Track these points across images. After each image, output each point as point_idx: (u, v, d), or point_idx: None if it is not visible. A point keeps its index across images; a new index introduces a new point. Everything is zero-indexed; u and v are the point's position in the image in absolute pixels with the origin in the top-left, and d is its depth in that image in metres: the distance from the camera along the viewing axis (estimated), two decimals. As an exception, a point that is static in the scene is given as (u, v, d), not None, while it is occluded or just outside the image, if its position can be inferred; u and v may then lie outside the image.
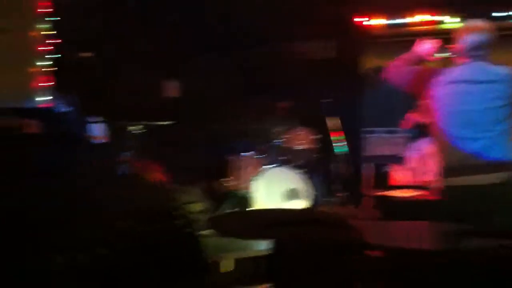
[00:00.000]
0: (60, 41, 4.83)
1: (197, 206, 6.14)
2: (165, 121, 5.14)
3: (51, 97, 4.75)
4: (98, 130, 4.97)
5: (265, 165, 6.58)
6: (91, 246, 2.69)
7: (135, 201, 3.70)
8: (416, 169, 5.78)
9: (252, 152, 6.81)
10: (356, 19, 7.36)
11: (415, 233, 3.07)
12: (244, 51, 7.83)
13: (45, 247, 2.66)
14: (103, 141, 4.97)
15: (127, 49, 5.52)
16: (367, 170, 7.29)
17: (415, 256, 2.89)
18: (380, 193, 4.56)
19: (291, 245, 2.37)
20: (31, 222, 2.73)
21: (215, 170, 7.09)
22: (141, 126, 4.99)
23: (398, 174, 5.40)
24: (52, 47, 4.74)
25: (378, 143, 7.41)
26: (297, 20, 7.40)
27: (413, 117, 5.70)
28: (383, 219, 3.80)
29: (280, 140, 6.65)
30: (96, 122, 4.96)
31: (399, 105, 6.15)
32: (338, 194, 6.56)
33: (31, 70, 4.64)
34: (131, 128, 5.01)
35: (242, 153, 6.69)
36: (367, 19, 7.33)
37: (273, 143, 6.74)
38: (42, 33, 4.71)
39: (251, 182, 6.38)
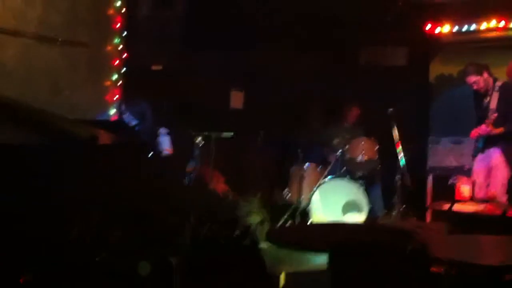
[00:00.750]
0: (132, 55, 5.04)
1: (257, 217, 6.22)
2: (229, 131, 5.26)
3: (123, 110, 4.98)
4: (167, 141, 5.14)
5: (326, 176, 6.55)
6: (161, 250, 2.83)
7: (200, 209, 3.83)
8: (482, 182, 5.63)
9: (314, 162, 6.79)
10: (427, 27, 7.26)
11: (480, 248, 3.04)
12: (309, 57, 7.89)
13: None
14: (171, 151, 5.14)
15: (195, 62, 5.69)
16: (432, 181, 7.15)
17: (480, 271, 2.87)
18: (444, 207, 4.48)
19: (350, 256, 2.39)
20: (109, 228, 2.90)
21: (276, 181, 7.14)
22: (206, 137, 5.13)
23: (464, 187, 5.28)
24: (124, 61, 4.97)
25: (444, 153, 7.27)
26: (368, 27, 7.38)
27: (482, 127, 5.55)
28: (448, 233, 3.74)
29: (343, 151, 6.59)
30: (165, 134, 5.14)
31: (468, 114, 6.03)
32: (400, 207, 6.44)
33: (106, 83, 4.88)
34: (197, 138, 5.16)
35: (304, 164, 6.69)
36: (438, 26, 7.22)
37: (335, 154, 6.69)
38: (115, 47, 4.94)
39: (312, 193, 6.37)
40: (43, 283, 2.67)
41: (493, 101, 5.58)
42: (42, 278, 2.67)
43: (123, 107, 5.03)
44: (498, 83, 5.65)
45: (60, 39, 4.54)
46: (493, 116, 5.45)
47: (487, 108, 5.60)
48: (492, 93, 5.61)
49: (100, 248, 2.81)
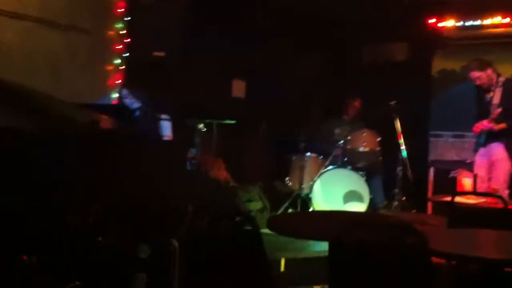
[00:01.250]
0: (134, 40, 5.03)
1: (258, 205, 6.23)
2: (231, 120, 5.25)
3: (124, 94, 4.97)
4: (167, 127, 5.14)
5: (327, 165, 6.56)
6: (162, 237, 2.83)
7: (200, 196, 3.82)
8: (484, 176, 5.63)
9: (315, 152, 6.80)
10: (430, 21, 7.23)
11: (480, 241, 3.03)
12: (312, 53, 7.88)
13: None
14: (172, 137, 5.14)
15: (197, 49, 5.67)
16: (433, 174, 7.15)
17: (479, 264, 2.86)
18: (445, 199, 4.47)
19: (350, 247, 2.38)
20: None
21: (276, 170, 7.15)
22: (208, 124, 5.13)
23: (465, 180, 5.27)
24: (126, 46, 4.95)
25: (445, 147, 7.27)
26: (370, 22, 7.36)
27: (484, 122, 5.55)
28: (448, 226, 3.73)
29: (344, 141, 6.59)
30: (166, 120, 5.13)
31: (469, 109, 6.02)
32: (401, 198, 6.45)
33: (108, 68, 4.87)
34: (198, 125, 5.15)
35: (305, 153, 6.70)
36: (441, 21, 7.19)
37: (336, 144, 6.70)
38: (118, 32, 4.93)
39: (313, 182, 6.38)
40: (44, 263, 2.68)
41: (496, 97, 5.58)
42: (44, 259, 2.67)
43: (124, 91, 5.01)
44: (501, 79, 5.65)
45: (63, 24, 4.51)
46: (497, 111, 5.44)
47: (489, 103, 5.60)
48: (495, 89, 5.60)
49: (98, 237, 2.81)
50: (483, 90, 5.70)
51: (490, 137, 5.62)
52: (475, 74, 5.61)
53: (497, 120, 5.50)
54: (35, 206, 2.85)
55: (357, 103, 7.15)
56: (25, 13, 4.31)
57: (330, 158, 6.67)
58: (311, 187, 6.40)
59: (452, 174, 6.70)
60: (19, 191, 2.81)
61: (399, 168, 6.47)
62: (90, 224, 2.98)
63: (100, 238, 2.78)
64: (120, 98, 4.95)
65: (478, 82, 5.64)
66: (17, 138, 3.01)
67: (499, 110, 5.44)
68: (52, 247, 2.80)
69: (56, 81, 4.51)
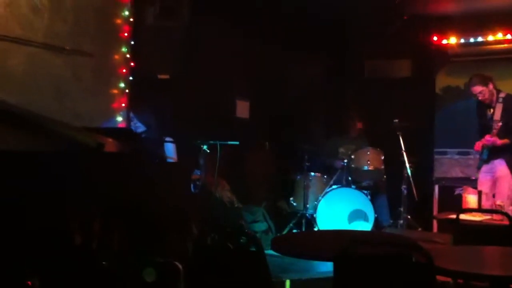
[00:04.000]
0: (138, 63, 5.07)
1: (262, 226, 6.22)
2: (234, 140, 5.27)
3: (129, 118, 5.00)
4: (172, 149, 5.16)
5: (332, 184, 6.56)
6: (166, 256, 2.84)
7: (205, 217, 3.83)
8: (488, 193, 5.62)
9: (319, 171, 6.80)
10: (433, 38, 7.30)
11: (486, 258, 3.03)
12: (315, 69, 7.93)
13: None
14: (176, 159, 5.16)
15: (199, 71, 5.72)
16: (438, 192, 7.14)
17: (485, 282, 2.85)
18: (450, 217, 4.46)
19: (355, 265, 2.38)
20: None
21: (281, 190, 7.15)
22: (212, 145, 5.15)
23: (470, 197, 5.26)
24: (131, 70, 4.99)
25: (450, 164, 7.27)
26: (373, 40, 7.42)
27: (487, 137, 5.56)
28: (453, 243, 3.73)
29: (348, 160, 6.59)
30: (170, 142, 5.15)
31: (474, 126, 6.04)
32: (406, 217, 6.44)
33: (113, 92, 4.91)
34: (203, 147, 5.17)
35: (309, 173, 6.70)
36: (444, 38, 7.26)
37: (341, 163, 6.70)
38: (123, 56, 4.97)
39: (318, 202, 6.37)
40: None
41: (497, 113, 5.61)
42: (47, 283, 2.67)
43: (130, 114, 5.05)
44: (502, 95, 5.68)
45: (67, 48, 4.56)
46: (498, 126, 5.47)
47: (490, 119, 5.62)
48: (496, 105, 5.63)
49: (104, 254, 2.82)
50: (484, 106, 5.73)
51: (493, 153, 5.63)
52: (478, 89, 5.64)
53: (499, 136, 5.52)
54: (39, 226, 2.87)
55: (358, 124, 7.18)
56: (31, 38, 4.37)
57: (334, 177, 6.67)
58: (315, 207, 6.39)
59: (457, 191, 6.69)
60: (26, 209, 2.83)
61: (404, 186, 6.46)
62: (94, 245, 3.00)
63: (104, 262, 2.79)
64: (125, 121, 4.98)
65: (480, 97, 5.66)
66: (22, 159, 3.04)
67: (500, 124, 5.47)
68: (56, 268, 2.80)
69: (61, 104, 4.55)
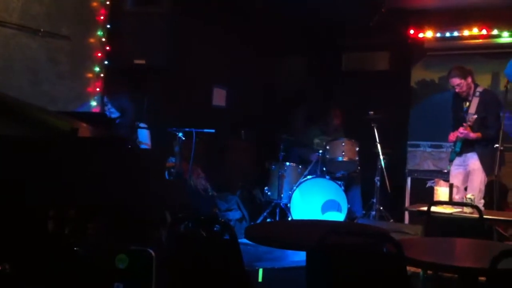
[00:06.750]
0: (114, 48, 5.01)
1: (236, 214, 6.24)
2: (210, 128, 5.26)
3: (104, 102, 4.95)
4: (146, 136, 5.12)
5: (306, 175, 6.60)
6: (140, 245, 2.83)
7: (179, 204, 3.83)
8: (460, 186, 5.71)
9: (294, 161, 6.83)
10: (410, 32, 7.35)
11: (455, 250, 3.08)
12: (293, 60, 7.94)
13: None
14: (150, 146, 5.13)
15: (177, 59, 5.68)
16: (410, 184, 7.24)
17: (454, 273, 2.90)
18: (421, 209, 4.53)
19: (327, 255, 2.40)
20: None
21: (256, 179, 7.16)
22: (187, 133, 5.12)
23: (441, 190, 5.34)
24: (107, 54, 4.93)
25: (423, 157, 7.36)
26: (351, 33, 7.44)
27: (460, 129, 5.63)
28: (424, 235, 3.79)
29: (323, 151, 6.63)
30: (144, 128, 5.12)
31: (447, 119, 6.11)
32: (379, 208, 6.51)
33: (87, 75, 4.84)
34: (177, 134, 5.14)
35: (284, 163, 6.72)
36: (420, 32, 7.31)
37: (316, 153, 6.74)
38: (98, 39, 4.90)
39: (292, 191, 6.40)
40: (21, 272, 2.65)
41: (472, 106, 5.68)
42: (19, 267, 2.65)
43: (104, 99, 5.00)
44: (479, 89, 5.75)
45: (42, 30, 4.48)
46: (472, 118, 5.53)
47: (466, 112, 5.69)
48: (472, 98, 5.70)
49: (76, 240, 2.80)
50: (460, 99, 5.80)
51: (465, 146, 5.71)
52: (456, 81, 5.69)
53: (473, 129, 5.59)
54: (12, 210, 2.83)
55: (338, 114, 7.22)
56: (6, 19, 4.28)
57: (309, 168, 6.70)
58: (290, 197, 6.41)
59: (429, 184, 6.78)
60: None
61: (377, 178, 6.53)
62: (67, 231, 2.97)
63: (77, 248, 2.76)
64: (100, 106, 4.93)
65: (458, 90, 5.72)
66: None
67: (474, 117, 5.54)
68: (28, 254, 2.78)
69: (36, 88, 4.48)
